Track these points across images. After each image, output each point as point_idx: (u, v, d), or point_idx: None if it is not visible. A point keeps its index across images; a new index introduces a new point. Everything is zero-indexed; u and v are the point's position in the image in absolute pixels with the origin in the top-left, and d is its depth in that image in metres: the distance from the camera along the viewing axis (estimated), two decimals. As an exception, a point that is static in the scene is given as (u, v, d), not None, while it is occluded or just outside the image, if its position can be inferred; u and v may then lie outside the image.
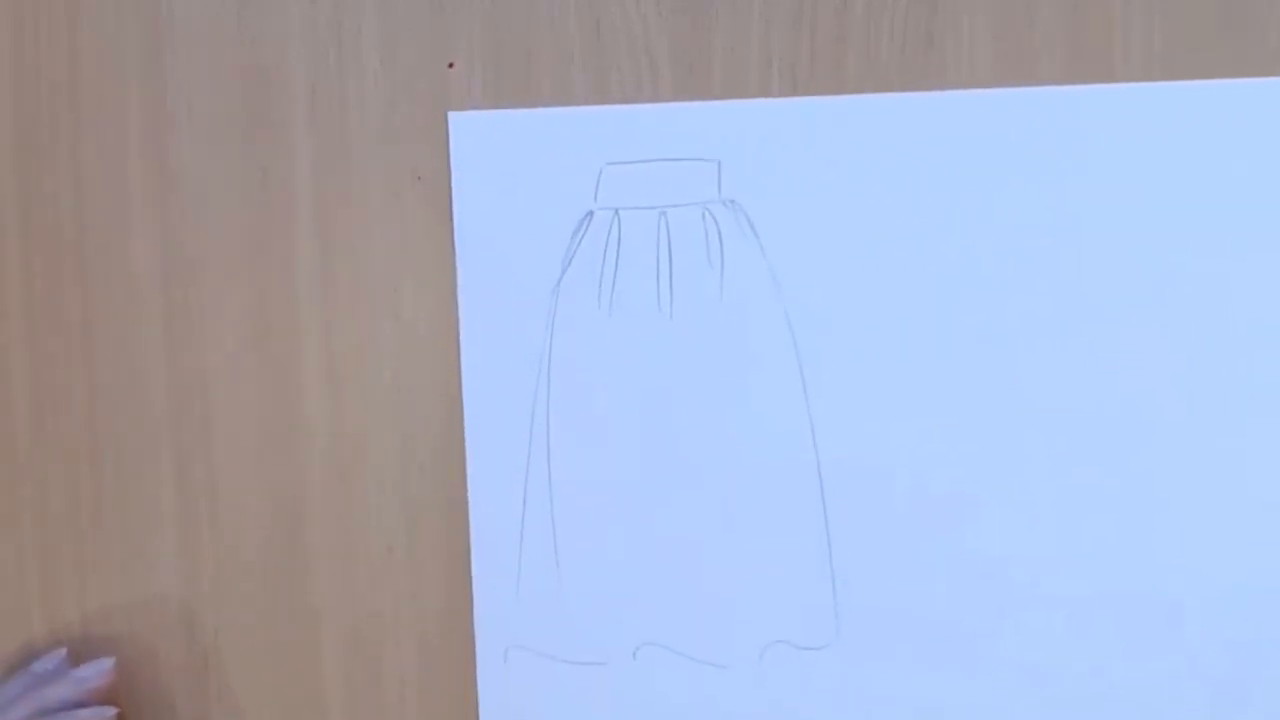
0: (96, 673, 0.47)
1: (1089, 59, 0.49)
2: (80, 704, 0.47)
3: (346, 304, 0.50)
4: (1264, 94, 0.49)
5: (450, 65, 0.49)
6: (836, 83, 0.49)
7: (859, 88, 0.49)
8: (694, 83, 0.49)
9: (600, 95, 0.49)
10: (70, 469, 0.50)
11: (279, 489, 0.50)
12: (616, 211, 0.49)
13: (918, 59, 0.49)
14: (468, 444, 0.49)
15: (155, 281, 0.50)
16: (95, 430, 0.50)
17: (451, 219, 0.49)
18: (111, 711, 0.47)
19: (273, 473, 0.50)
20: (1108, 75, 0.49)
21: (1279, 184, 0.49)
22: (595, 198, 0.49)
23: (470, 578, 0.49)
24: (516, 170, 0.49)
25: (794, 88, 0.49)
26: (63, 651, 0.49)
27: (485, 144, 0.49)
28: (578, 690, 0.49)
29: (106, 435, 0.50)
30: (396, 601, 0.50)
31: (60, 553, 0.50)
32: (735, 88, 0.49)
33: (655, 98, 0.49)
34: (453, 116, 0.49)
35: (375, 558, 0.50)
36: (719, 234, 0.49)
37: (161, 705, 0.50)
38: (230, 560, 0.50)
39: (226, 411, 0.50)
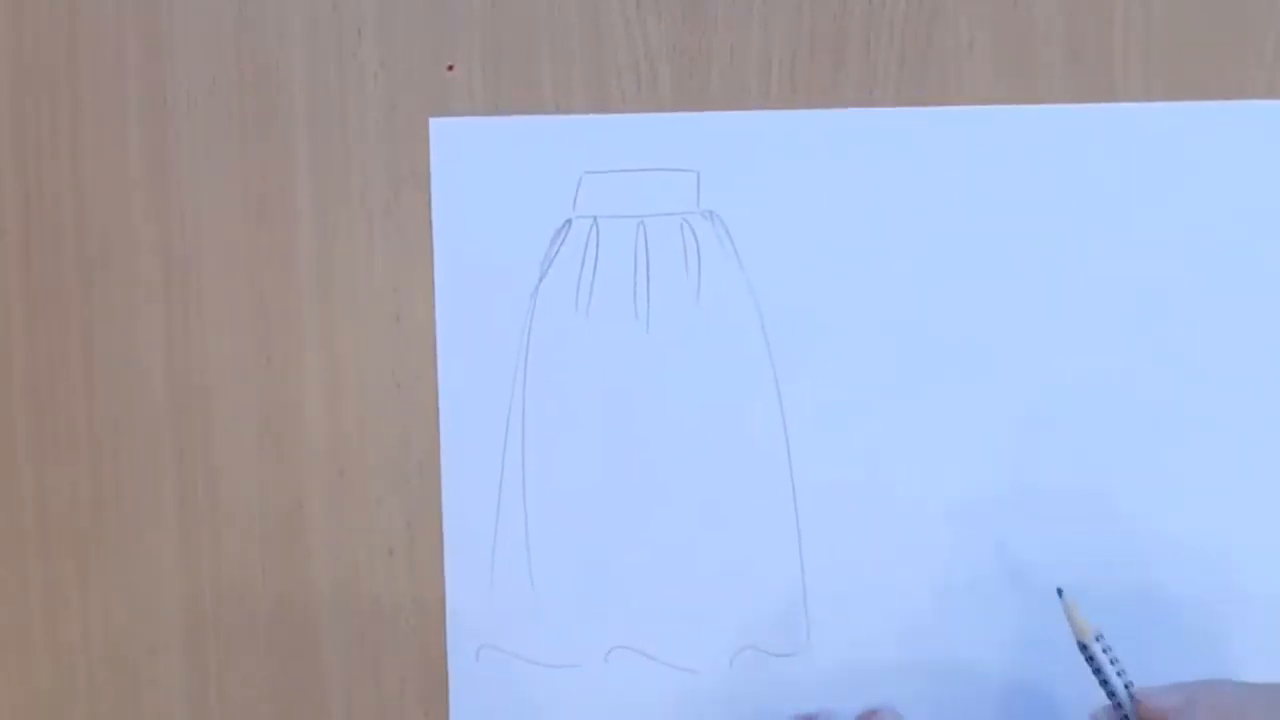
0: None
1: (1088, 77, 0.49)
2: None
3: (346, 304, 0.50)
4: (1258, 116, 0.49)
5: (450, 68, 0.49)
6: (836, 92, 0.49)
7: (858, 98, 0.49)
8: (693, 87, 0.49)
9: (600, 98, 0.49)
10: (70, 469, 0.50)
11: (279, 489, 0.50)
12: (595, 220, 0.49)
13: (915, 71, 0.49)
14: (442, 446, 0.49)
15: (155, 281, 0.50)
16: (95, 430, 0.50)
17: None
18: None
19: (273, 473, 0.50)
20: (1108, 95, 0.49)
21: (1268, 202, 0.49)
22: (574, 206, 0.49)
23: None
24: (497, 177, 0.49)
25: (793, 91, 0.49)
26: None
27: (466, 150, 0.49)
28: (549, 691, 0.50)
29: (107, 435, 0.50)
30: (397, 602, 0.50)
31: (60, 553, 0.50)
32: (735, 92, 0.49)
33: (654, 101, 0.49)
34: (434, 123, 0.49)
35: (375, 558, 0.50)
36: (696, 244, 0.49)
37: (161, 704, 0.50)
38: (230, 560, 0.50)
39: (226, 411, 0.50)
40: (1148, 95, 0.49)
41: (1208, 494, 0.49)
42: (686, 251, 0.49)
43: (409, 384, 0.50)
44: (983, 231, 0.49)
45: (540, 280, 0.49)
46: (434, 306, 0.49)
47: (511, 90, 0.49)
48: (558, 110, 0.49)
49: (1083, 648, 0.44)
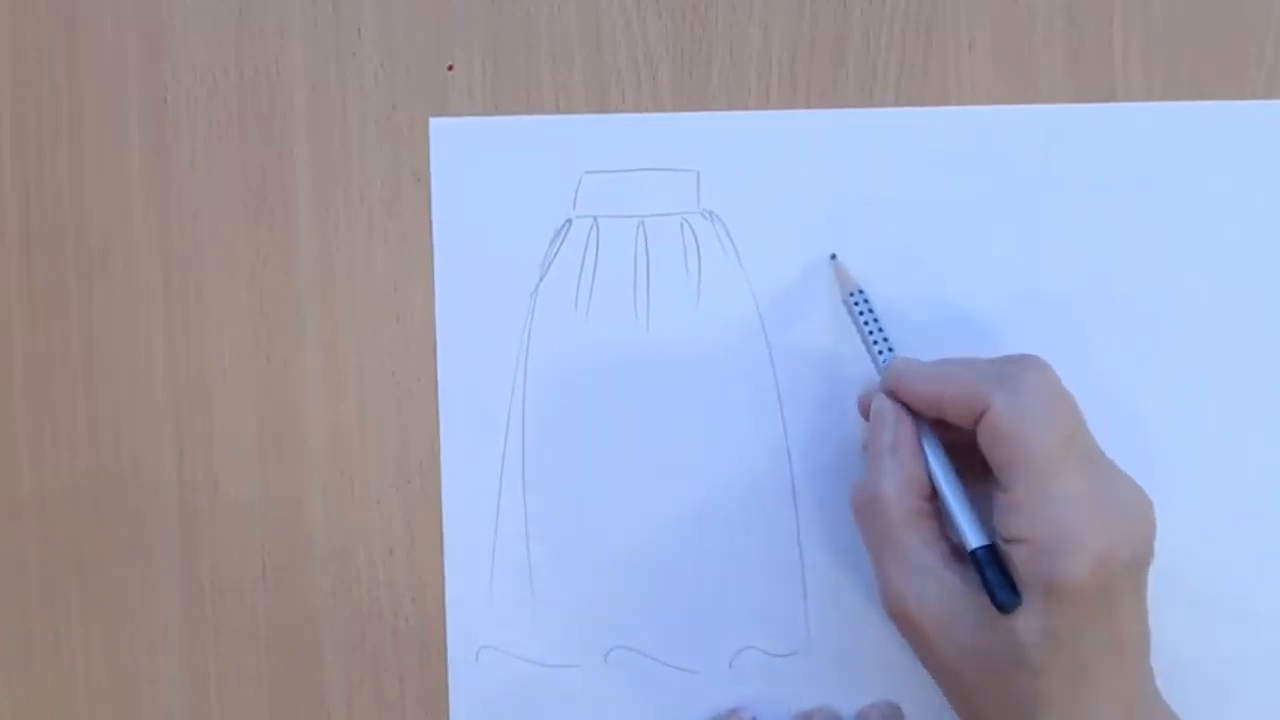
0: None
1: (1088, 77, 0.49)
2: None
3: (346, 304, 0.50)
4: (1258, 116, 0.49)
5: (450, 67, 0.49)
6: (836, 92, 0.49)
7: (858, 98, 0.49)
8: (693, 87, 0.49)
9: (600, 98, 0.49)
10: (70, 468, 0.50)
11: (279, 489, 0.50)
12: (595, 219, 0.49)
13: (915, 71, 0.49)
14: (442, 446, 0.49)
15: (155, 281, 0.50)
16: (95, 430, 0.50)
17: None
18: None
19: (273, 473, 0.50)
20: (1108, 95, 0.49)
21: (1268, 202, 0.49)
22: (574, 205, 0.49)
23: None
24: (497, 177, 0.49)
25: (793, 91, 0.49)
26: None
27: (466, 150, 0.49)
28: (549, 691, 0.50)
29: (106, 435, 0.50)
30: (396, 602, 0.50)
31: (60, 552, 0.50)
32: (735, 92, 0.49)
33: (654, 101, 0.49)
34: (434, 123, 0.49)
35: (375, 558, 0.50)
36: (696, 244, 0.49)
37: (161, 704, 0.50)
38: (230, 560, 0.50)
39: (226, 411, 0.50)
40: (1148, 95, 0.49)
41: (1207, 495, 0.49)
42: (686, 251, 0.49)
43: (409, 384, 0.50)
44: (982, 231, 0.49)
45: (540, 280, 0.49)
46: (434, 306, 0.49)
47: (511, 90, 0.49)
48: (558, 110, 0.49)
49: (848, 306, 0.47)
